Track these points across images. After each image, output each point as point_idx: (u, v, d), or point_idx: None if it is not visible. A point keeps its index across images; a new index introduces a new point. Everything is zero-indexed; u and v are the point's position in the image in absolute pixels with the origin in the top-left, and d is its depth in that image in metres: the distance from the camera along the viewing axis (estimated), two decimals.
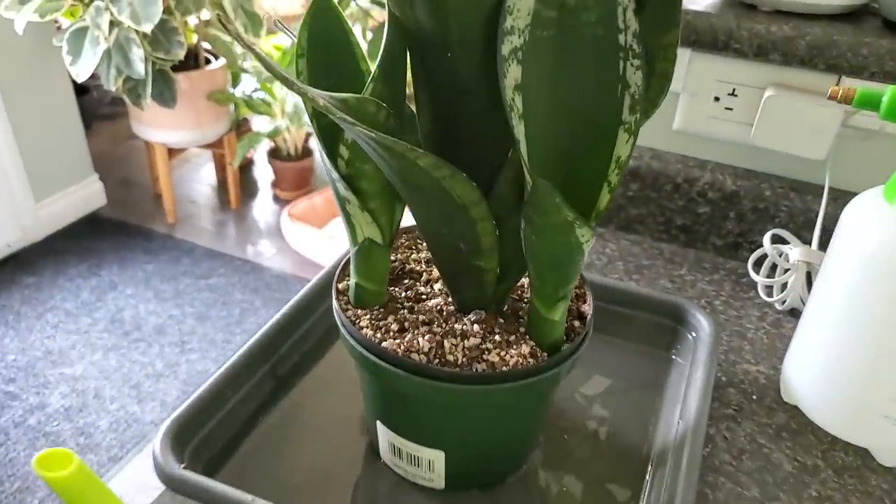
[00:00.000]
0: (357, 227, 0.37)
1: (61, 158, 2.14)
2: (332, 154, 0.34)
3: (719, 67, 0.61)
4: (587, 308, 0.41)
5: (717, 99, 0.62)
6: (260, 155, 2.64)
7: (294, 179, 2.39)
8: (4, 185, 1.98)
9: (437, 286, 0.43)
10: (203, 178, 2.58)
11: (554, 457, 0.46)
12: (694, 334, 0.53)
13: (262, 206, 2.43)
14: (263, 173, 2.60)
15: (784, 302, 0.60)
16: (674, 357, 0.54)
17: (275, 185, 2.46)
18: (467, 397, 0.36)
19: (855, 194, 0.62)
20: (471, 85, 0.32)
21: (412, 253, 0.45)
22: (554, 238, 0.33)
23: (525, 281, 0.43)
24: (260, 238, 2.27)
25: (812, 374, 0.48)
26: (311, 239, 2.11)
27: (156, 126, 2.11)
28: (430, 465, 0.41)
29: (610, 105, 0.32)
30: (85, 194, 2.24)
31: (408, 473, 0.43)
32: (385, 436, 0.42)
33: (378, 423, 0.42)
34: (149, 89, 1.84)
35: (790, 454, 0.47)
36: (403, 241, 0.46)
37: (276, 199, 2.45)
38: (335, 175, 0.35)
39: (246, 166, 2.59)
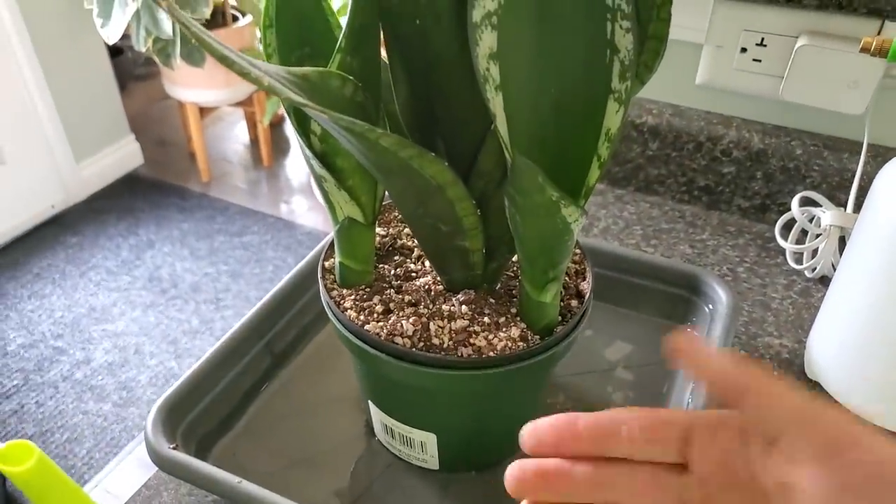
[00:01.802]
0: (336, 206, 0.35)
1: (99, 119, 2.16)
2: (303, 130, 0.32)
3: (746, 15, 0.56)
4: (586, 286, 0.39)
5: (743, 50, 0.57)
6: None
7: None
8: (46, 147, 2.02)
9: (429, 263, 0.41)
10: (236, 137, 2.58)
11: None
12: (711, 306, 0.50)
13: (294, 164, 2.43)
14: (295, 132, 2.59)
15: (814, 269, 0.56)
16: (689, 330, 0.51)
17: None
18: (452, 383, 0.35)
19: None
20: (445, 54, 0.29)
21: (405, 227, 0.43)
22: (539, 219, 0.30)
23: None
24: (292, 196, 2.27)
25: (839, 349, 0.45)
26: None
27: (187, 85, 2.11)
28: (423, 446, 0.40)
29: (597, 72, 0.29)
30: (122, 154, 2.27)
31: (402, 453, 0.42)
32: (377, 416, 0.41)
33: (370, 402, 0.41)
34: (178, 49, 1.83)
35: None
36: (395, 213, 0.44)
37: None
38: (308, 152, 0.33)
39: (277, 124, 2.58)
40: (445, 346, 0.35)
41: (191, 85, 2.09)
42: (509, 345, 0.35)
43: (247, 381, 0.46)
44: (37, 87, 1.94)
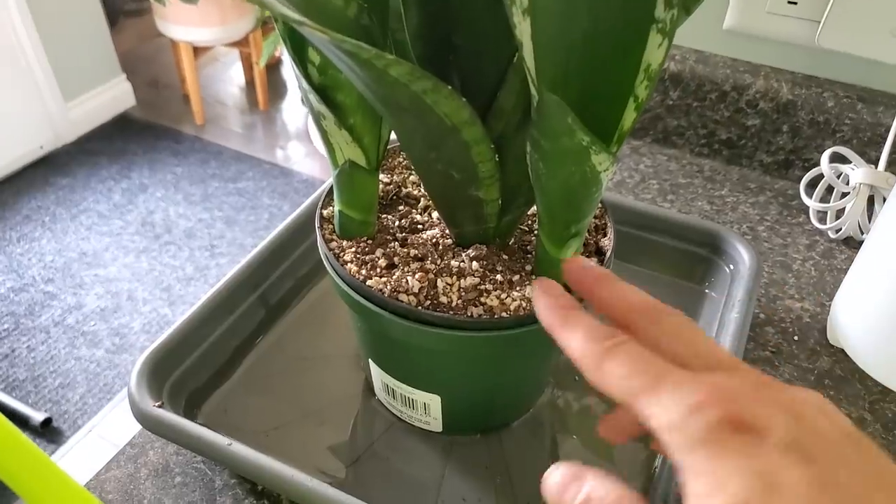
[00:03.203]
0: (336, 148, 0.31)
1: (88, 57, 2.09)
2: (300, 59, 0.29)
3: None
4: (607, 242, 0.36)
5: None
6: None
7: None
8: (33, 85, 1.95)
9: (437, 214, 0.37)
10: (231, 79, 2.51)
11: (564, 402, 0.42)
12: (731, 267, 0.47)
13: (291, 108, 2.37)
14: (291, 73, 2.52)
15: (839, 230, 0.53)
16: (707, 291, 0.48)
17: None
18: (460, 344, 0.32)
19: None
20: None
21: (410, 174, 0.40)
22: (565, 166, 0.27)
23: (536, 209, 0.38)
24: (288, 141, 2.22)
25: (866, 314, 0.42)
26: None
27: (180, 23, 2.03)
28: (426, 408, 0.37)
29: None
30: (113, 94, 2.21)
31: (403, 415, 0.39)
32: (378, 375, 0.38)
33: (370, 361, 0.38)
34: None
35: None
36: (400, 159, 0.41)
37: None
38: (305, 85, 0.29)
39: (274, 66, 2.50)
40: (454, 304, 0.32)
41: (184, 22, 2.01)
42: (523, 305, 0.32)
43: (239, 335, 0.43)
44: (22, 23, 1.86)
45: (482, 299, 0.32)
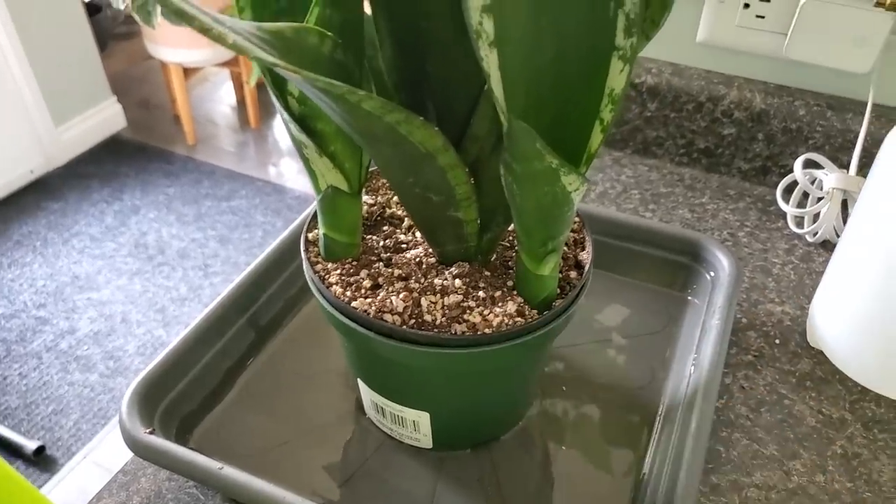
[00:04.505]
0: (318, 175, 0.32)
1: (78, 81, 2.10)
2: (280, 91, 0.30)
3: None
4: (585, 256, 0.37)
5: (746, 6, 0.54)
6: None
7: None
8: (23, 110, 1.96)
9: (420, 233, 0.38)
10: (222, 98, 2.52)
11: (552, 412, 0.42)
12: (712, 273, 0.48)
13: (282, 126, 2.38)
14: None
15: (815, 234, 0.54)
16: (689, 298, 0.49)
17: None
18: (446, 361, 0.33)
19: None
20: (434, 6, 0.27)
21: (394, 195, 0.41)
22: (537, 188, 0.28)
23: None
24: (281, 158, 2.23)
25: (843, 316, 0.44)
26: None
27: (169, 45, 2.04)
28: (416, 425, 0.38)
29: (601, 27, 0.26)
30: (104, 117, 2.21)
31: (393, 432, 0.40)
32: (367, 394, 0.39)
33: (359, 380, 0.39)
34: (158, 6, 1.76)
35: (814, 406, 0.43)
36: (384, 181, 0.42)
37: None
38: (286, 116, 0.30)
39: (264, 84, 2.51)
40: (438, 322, 0.33)
41: (173, 44, 2.02)
42: (506, 320, 0.33)
43: (230, 358, 0.44)
44: (11, 46, 1.87)
45: (465, 316, 0.33)
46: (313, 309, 0.48)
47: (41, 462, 1.34)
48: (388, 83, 0.31)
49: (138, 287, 1.73)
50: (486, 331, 0.32)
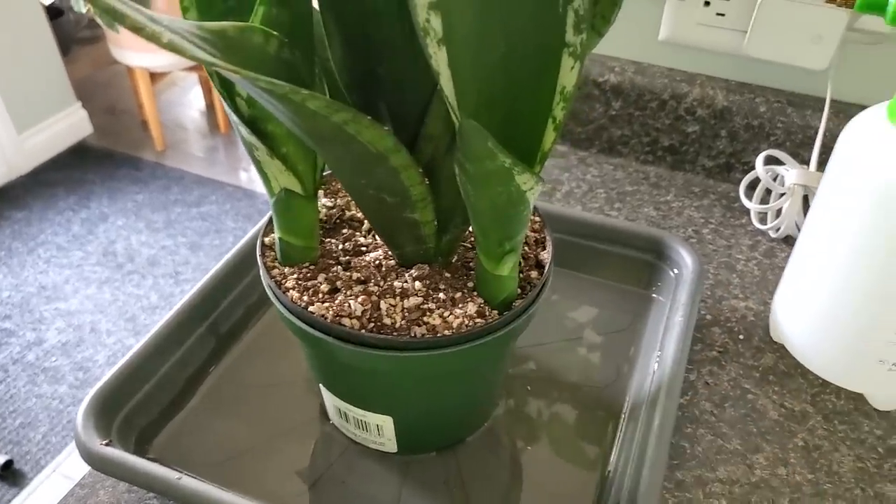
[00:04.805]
0: (271, 177, 0.32)
1: (40, 86, 2.06)
2: (229, 93, 0.29)
3: None
4: (546, 256, 0.37)
5: (707, 3, 0.54)
6: None
7: None
8: None
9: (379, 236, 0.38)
10: (191, 103, 2.49)
11: (517, 412, 0.42)
12: (676, 271, 0.48)
13: None
14: None
15: (778, 229, 0.55)
16: (654, 295, 0.50)
17: None
18: (406, 365, 0.32)
19: (861, 107, 0.56)
20: (381, 4, 0.26)
21: None
22: (491, 188, 0.28)
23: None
24: (251, 163, 2.21)
25: (802, 311, 0.44)
26: None
27: (134, 49, 2.01)
28: (379, 429, 0.38)
29: (550, 23, 0.26)
30: (69, 123, 2.17)
31: (357, 437, 0.40)
32: (330, 399, 0.39)
33: (321, 386, 0.39)
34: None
35: (777, 400, 0.43)
36: None
37: None
38: (235, 118, 0.29)
39: None
40: (398, 325, 0.32)
41: (138, 48, 1.99)
42: (466, 322, 0.32)
43: (190, 367, 0.43)
44: None
45: (425, 319, 0.33)
46: (274, 316, 0.48)
47: (9, 476, 1.31)
48: (340, 83, 0.30)
49: (108, 296, 1.70)
50: (446, 332, 0.32)
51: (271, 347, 0.46)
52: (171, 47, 0.20)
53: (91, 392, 0.38)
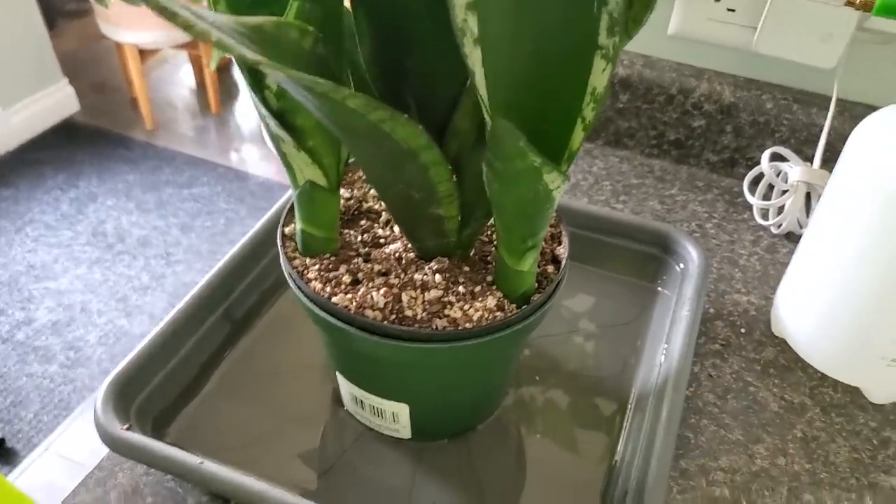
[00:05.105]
0: (296, 169, 0.32)
1: (25, 61, 2.02)
2: (258, 86, 0.29)
3: None
4: (562, 251, 0.37)
5: None
6: None
7: None
8: None
9: (398, 228, 0.38)
10: (181, 81, 2.46)
11: (526, 402, 0.43)
12: (682, 265, 0.49)
13: (244, 110, 2.33)
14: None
15: (780, 226, 0.56)
16: (660, 289, 0.50)
17: None
18: (427, 356, 0.33)
19: (867, 106, 0.57)
20: (413, 3, 0.27)
21: (371, 189, 0.41)
22: (519, 186, 0.28)
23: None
24: (243, 144, 2.19)
25: (804, 307, 0.45)
26: None
27: (123, 25, 1.98)
28: (395, 416, 0.38)
29: (583, 26, 0.26)
30: (56, 99, 2.14)
31: (372, 423, 0.40)
32: (346, 387, 0.39)
33: (338, 374, 0.39)
34: None
35: (777, 392, 0.45)
36: (361, 174, 0.41)
37: None
38: (263, 111, 0.30)
39: (225, 67, 2.46)
40: (419, 317, 0.33)
41: (128, 25, 1.96)
42: (486, 315, 0.33)
43: (205, 352, 0.43)
44: None
45: (446, 311, 0.33)
46: (288, 302, 0.48)
47: (2, 454, 1.31)
48: (368, 77, 0.31)
49: (98, 276, 1.69)
50: (467, 325, 0.33)
51: (284, 335, 0.46)
52: (221, 45, 0.20)
53: (109, 378, 0.38)
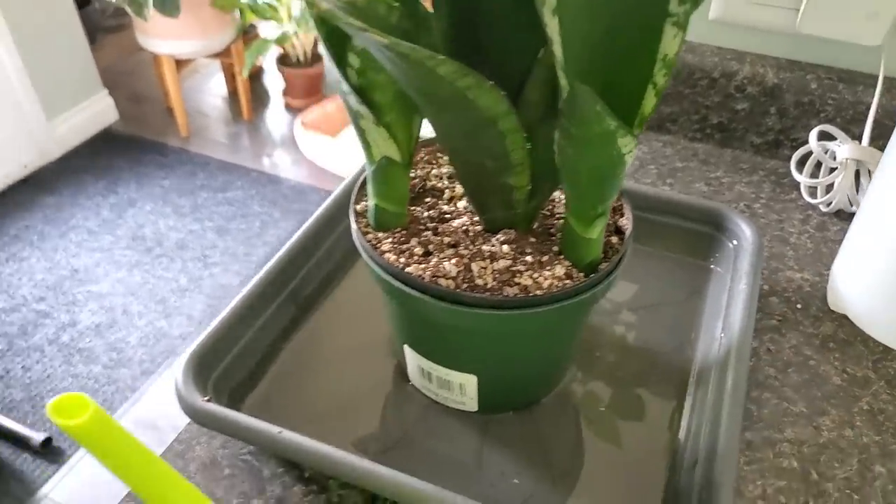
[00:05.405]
0: (373, 145, 0.34)
1: (69, 74, 2.08)
2: (341, 63, 0.31)
3: None
4: (626, 222, 0.38)
5: None
6: (269, 62, 2.55)
7: (305, 87, 2.31)
8: (15, 104, 1.94)
9: (461, 204, 0.40)
10: (213, 90, 2.51)
11: (587, 376, 0.44)
12: (735, 242, 0.49)
13: (275, 116, 2.37)
14: (274, 82, 2.53)
15: (830, 204, 0.56)
16: (713, 266, 0.51)
17: (285, 93, 2.39)
18: (499, 323, 0.34)
19: None
20: None
21: (433, 168, 0.42)
22: (594, 150, 0.29)
23: (556, 195, 0.40)
24: (275, 149, 2.23)
25: (864, 280, 0.45)
26: (326, 148, 2.06)
27: (161, 37, 2.03)
28: (462, 388, 0.40)
29: None
30: (96, 110, 2.20)
31: (438, 396, 0.41)
32: (414, 360, 0.40)
33: (406, 346, 0.40)
34: None
35: (839, 366, 0.45)
36: (422, 155, 0.43)
37: (288, 107, 2.39)
38: (345, 87, 0.31)
39: (255, 75, 2.51)
40: (489, 286, 0.34)
41: (165, 36, 2.01)
42: (555, 283, 0.34)
43: (273, 331, 0.45)
44: (2, 41, 1.85)
45: (516, 279, 0.34)
46: (351, 281, 0.49)
47: (48, 454, 1.35)
48: (443, 51, 0.32)
49: (138, 279, 1.73)
50: (538, 293, 0.34)
51: (349, 313, 0.48)
52: (331, 16, 0.22)
53: (187, 352, 0.40)
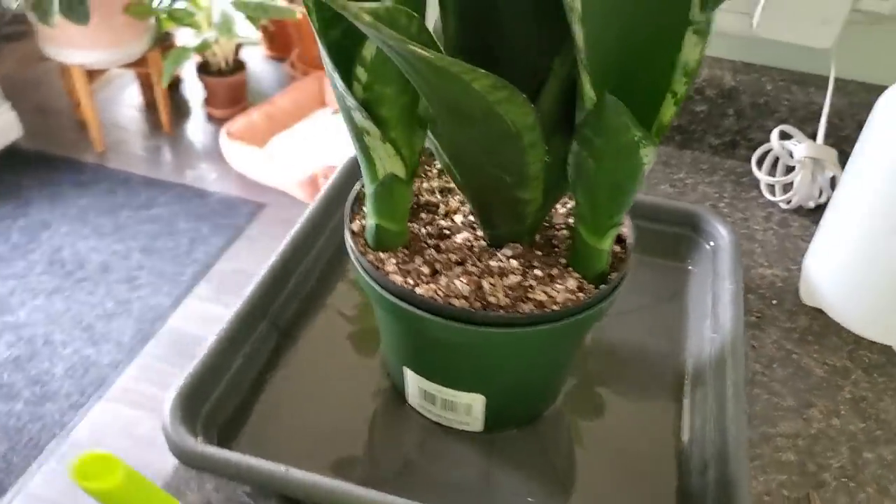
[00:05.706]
0: (377, 162, 0.32)
1: None
2: (346, 76, 0.29)
3: None
4: (626, 231, 0.38)
5: None
6: (188, 71, 2.45)
7: (227, 96, 2.23)
8: None
9: (458, 218, 0.38)
10: (128, 101, 2.38)
11: (584, 386, 0.43)
12: (712, 243, 0.50)
13: (197, 127, 2.28)
14: (193, 91, 2.42)
15: (790, 201, 0.58)
16: (690, 268, 0.52)
17: (207, 102, 2.30)
18: (516, 341, 0.33)
19: (862, 84, 0.60)
20: None
21: (422, 182, 0.41)
22: (616, 162, 0.29)
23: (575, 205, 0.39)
24: (199, 161, 2.14)
25: (836, 274, 0.47)
26: (253, 159, 2.00)
27: (69, 46, 1.91)
28: (468, 409, 0.38)
29: (678, 2, 0.27)
30: None
31: (441, 418, 0.40)
32: (415, 382, 0.39)
33: (406, 369, 0.39)
34: (56, 4, 1.64)
35: (818, 358, 0.46)
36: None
37: (210, 118, 2.30)
38: (350, 102, 0.29)
39: (173, 85, 2.40)
40: (503, 303, 0.33)
41: (74, 45, 1.89)
42: (569, 297, 0.33)
43: (258, 362, 0.42)
44: None
45: (529, 295, 0.33)
46: (333, 304, 0.47)
47: None
48: None
49: (59, 306, 1.61)
50: (554, 307, 0.33)
51: (332, 337, 0.45)
52: (373, 27, 0.20)
53: (173, 392, 0.37)
